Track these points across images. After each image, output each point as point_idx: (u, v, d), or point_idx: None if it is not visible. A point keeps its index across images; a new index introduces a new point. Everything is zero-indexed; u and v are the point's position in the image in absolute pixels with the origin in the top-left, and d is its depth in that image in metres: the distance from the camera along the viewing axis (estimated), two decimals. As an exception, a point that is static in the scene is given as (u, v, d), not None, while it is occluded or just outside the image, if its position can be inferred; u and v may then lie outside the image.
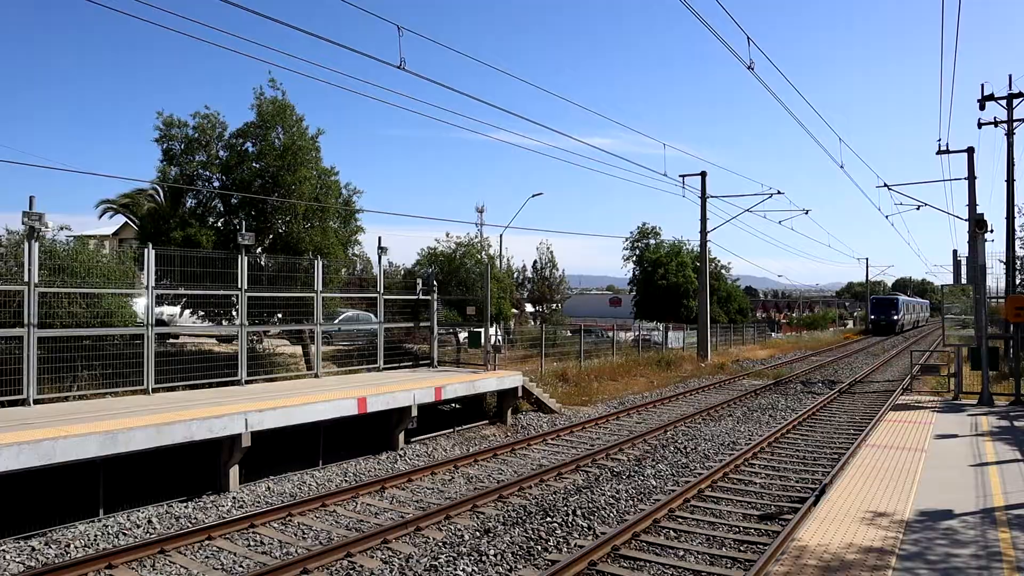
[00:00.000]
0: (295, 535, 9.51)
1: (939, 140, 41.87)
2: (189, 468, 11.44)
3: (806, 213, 37.34)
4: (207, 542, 9.09)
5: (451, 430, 16.86)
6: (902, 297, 75.74)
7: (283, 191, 18.66)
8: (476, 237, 29.58)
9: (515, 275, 56.63)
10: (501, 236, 40.36)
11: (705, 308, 35.20)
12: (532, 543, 9.05)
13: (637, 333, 37.86)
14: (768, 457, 14.30)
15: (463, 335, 24.39)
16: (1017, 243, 27.35)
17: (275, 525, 9.85)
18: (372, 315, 21.11)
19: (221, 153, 19.43)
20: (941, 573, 6.80)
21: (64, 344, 12.84)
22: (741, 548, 9.03)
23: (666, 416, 19.54)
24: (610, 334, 34.40)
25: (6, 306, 12.37)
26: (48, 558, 8.54)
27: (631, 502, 11.01)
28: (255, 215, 19.09)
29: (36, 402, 12.10)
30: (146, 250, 14.00)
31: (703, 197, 34.93)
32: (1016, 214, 26.76)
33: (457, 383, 16.49)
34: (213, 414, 11.15)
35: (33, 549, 8.74)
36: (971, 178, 27.45)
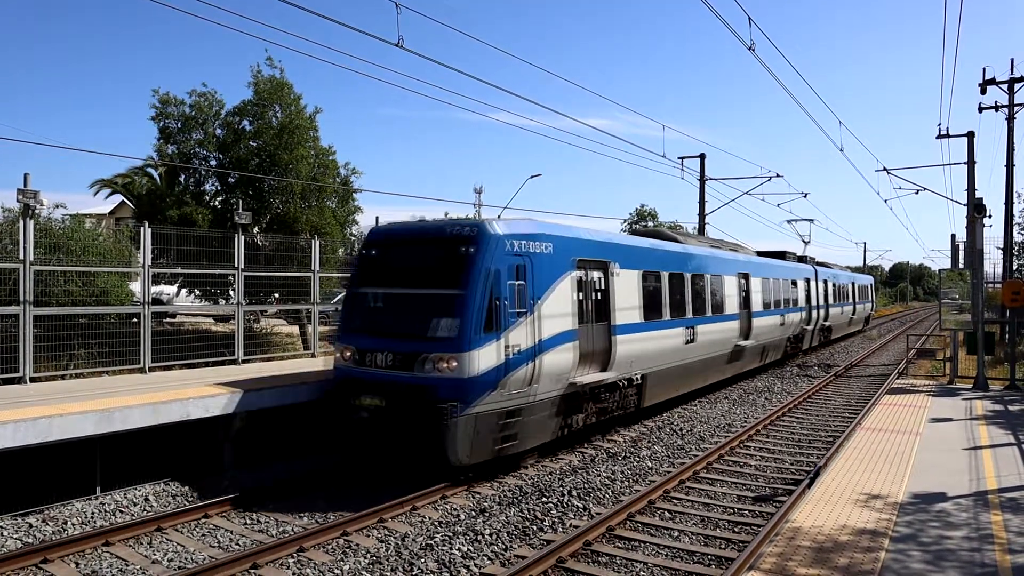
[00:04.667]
0: (292, 514, 9.54)
1: (939, 124, 41.80)
2: (186, 447, 11.45)
3: (805, 196, 37.15)
4: (204, 520, 9.14)
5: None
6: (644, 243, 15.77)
7: (280, 170, 18.58)
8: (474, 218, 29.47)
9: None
10: (499, 217, 40.21)
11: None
12: (527, 523, 9.10)
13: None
14: (763, 439, 14.37)
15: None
16: (1015, 228, 27.39)
17: (272, 504, 9.88)
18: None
19: (218, 132, 19.32)
20: (934, 555, 6.85)
21: (60, 322, 12.82)
22: (735, 529, 9.09)
23: (662, 398, 19.55)
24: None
25: (2, 284, 12.34)
26: (46, 535, 8.58)
27: (626, 483, 11.06)
28: (252, 194, 19.02)
29: (32, 380, 12.10)
30: (142, 228, 13.94)
31: (702, 179, 34.80)
32: (1015, 199, 26.77)
33: (454, 364, 16.46)
34: (209, 393, 11.15)
35: (31, 526, 8.78)
36: (971, 163, 27.41)
